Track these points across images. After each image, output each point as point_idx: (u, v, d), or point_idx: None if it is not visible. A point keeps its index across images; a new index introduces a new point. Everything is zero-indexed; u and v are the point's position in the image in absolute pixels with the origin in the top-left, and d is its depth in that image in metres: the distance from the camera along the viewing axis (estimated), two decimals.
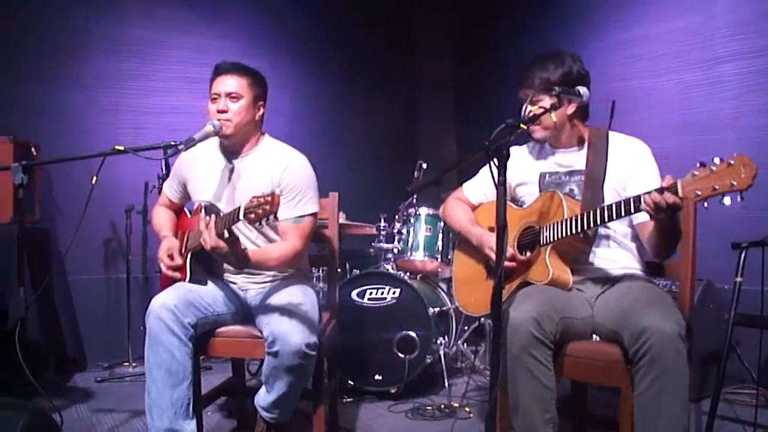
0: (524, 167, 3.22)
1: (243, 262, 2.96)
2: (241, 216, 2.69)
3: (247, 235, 3.28)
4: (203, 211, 3.19)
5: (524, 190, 3.22)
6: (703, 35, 4.73)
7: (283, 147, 3.40)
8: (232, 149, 3.34)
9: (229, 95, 3.20)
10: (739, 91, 4.55)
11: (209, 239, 2.85)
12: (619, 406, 2.69)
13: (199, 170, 3.41)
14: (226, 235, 2.84)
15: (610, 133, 3.11)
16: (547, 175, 3.16)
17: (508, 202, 3.14)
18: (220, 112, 3.19)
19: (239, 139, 3.30)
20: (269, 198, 2.61)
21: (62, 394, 4.45)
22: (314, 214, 3.28)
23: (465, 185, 3.45)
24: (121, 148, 3.09)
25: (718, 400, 3.43)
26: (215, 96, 3.23)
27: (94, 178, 3.13)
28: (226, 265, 3.32)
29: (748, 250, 3.51)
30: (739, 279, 3.47)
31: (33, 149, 4.58)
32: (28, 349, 3.39)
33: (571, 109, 3.02)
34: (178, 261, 3.28)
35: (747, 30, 4.48)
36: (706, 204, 2.33)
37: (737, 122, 4.54)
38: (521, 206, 3.21)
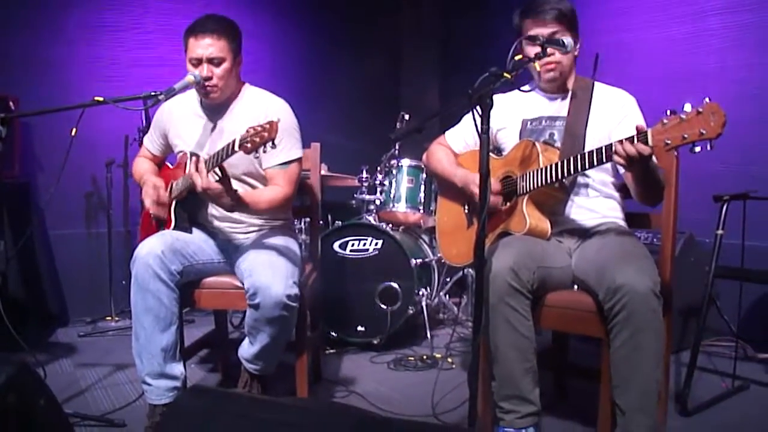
0: (507, 113, 3.19)
1: (235, 204, 2.93)
2: (236, 147, 2.69)
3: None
4: (189, 157, 3.17)
5: (505, 136, 3.21)
6: None
7: (265, 95, 3.37)
8: (216, 104, 3.31)
9: (210, 60, 3.14)
10: (724, 45, 4.55)
11: (201, 179, 2.81)
12: (602, 356, 2.70)
13: (181, 121, 3.39)
14: (218, 175, 2.83)
15: (596, 83, 3.10)
16: (529, 122, 3.15)
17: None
18: (205, 79, 3.14)
19: (225, 96, 3.28)
20: (267, 125, 2.61)
21: (44, 348, 4.44)
22: (299, 159, 3.27)
23: (447, 133, 3.43)
24: (101, 99, 3.05)
25: (698, 352, 3.48)
26: (195, 61, 3.15)
27: (74, 130, 3.09)
28: (211, 214, 3.33)
29: (729, 203, 3.53)
30: (720, 231, 3.50)
31: (11, 103, 4.52)
32: (9, 304, 3.38)
33: (576, 52, 3.06)
34: (165, 198, 3.28)
35: None
36: (675, 152, 2.31)
37: (721, 76, 4.55)
38: (500, 154, 3.20)
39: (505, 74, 2.49)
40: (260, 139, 2.61)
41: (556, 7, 2.96)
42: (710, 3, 4.61)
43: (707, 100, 2.19)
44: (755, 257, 3.78)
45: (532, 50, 2.86)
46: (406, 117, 4.92)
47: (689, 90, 4.70)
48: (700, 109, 2.18)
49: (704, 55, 4.67)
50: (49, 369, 3.88)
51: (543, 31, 2.94)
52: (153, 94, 3.04)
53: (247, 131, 2.65)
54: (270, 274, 2.93)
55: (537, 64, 2.91)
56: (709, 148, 2.20)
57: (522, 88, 3.08)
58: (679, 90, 4.76)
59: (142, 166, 3.54)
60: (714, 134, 2.16)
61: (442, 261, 4.76)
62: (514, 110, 3.19)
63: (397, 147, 4.92)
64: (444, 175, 3.32)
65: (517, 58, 2.63)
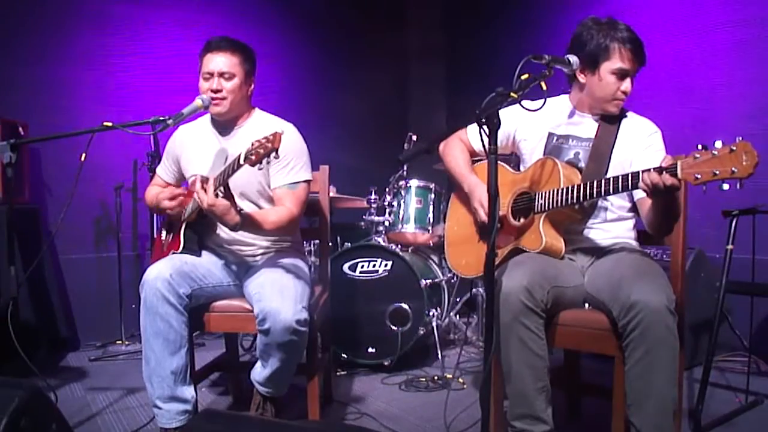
0: (532, 124, 3.13)
1: (240, 222, 2.93)
2: (242, 161, 2.71)
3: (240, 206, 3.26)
4: (199, 180, 3.18)
5: (527, 147, 3.16)
6: (696, 3, 4.72)
7: (273, 118, 3.41)
8: (224, 125, 3.34)
9: (222, 75, 3.19)
10: (730, 60, 4.55)
11: (206, 197, 2.83)
12: (614, 374, 2.69)
13: (192, 146, 3.42)
14: (221, 192, 2.85)
15: (626, 110, 3.08)
16: (556, 138, 3.10)
17: (504, 165, 3.13)
18: (214, 91, 3.18)
19: (232, 116, 3.31)
20: (270, 137, 2.63)
21: (56, 373, 4.45)
22: (308, 182, 3.29)
23: (470, 127, 3.28)
24: (109, 124, 3.07)
25: (710, 368, 3.45)
26: (208, 75, 3.21)
27: (83, 155, 3.11)
28: (220, 236, 3.34)
29: (738, 218, 3.52)
30: (730, 246, 3.48)
31: (21, 129, 4.55)
32: (20, 329, 3.38)
33: None
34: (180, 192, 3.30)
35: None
36: (704, 188, 2.31)
37: (728, 90, 4.55)
38: (518, 166, 3.19)
39: (512, 94, 2.48)
40: (264, 150, 2.62)
41: (644, 48, 2.92)
42: (717, 17, 4.62)
43: (739, 138, 2.19)
44: (766, 271, 3.76)
45: (616, 83, 2.90)
46: (414, 138, 4.93)
47: (696, 105, 4.71)
48: (733, 147, 2.18)
49: (711, 70, 4.67)
50: (60, 393, 3.88)
51: (627, 67, 2.90)
52: (162, 119, 3.05)
53: (252, 144, 2.67)
54: (279, 299, 2.93)
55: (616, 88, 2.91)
56: (738, 186, 2.20)
57: (529, 106, 3.02)
58: (685, 105, 4.77)
59: (155, 190, 3.55)
60: (745, 174, 2.16)
61: (452, 281, 4.76)
62: (540, 122, 3.11)
63: (405, 168, 4.94)
64: (455, 175, 3.29)
65: (523, 77, 2.62)
